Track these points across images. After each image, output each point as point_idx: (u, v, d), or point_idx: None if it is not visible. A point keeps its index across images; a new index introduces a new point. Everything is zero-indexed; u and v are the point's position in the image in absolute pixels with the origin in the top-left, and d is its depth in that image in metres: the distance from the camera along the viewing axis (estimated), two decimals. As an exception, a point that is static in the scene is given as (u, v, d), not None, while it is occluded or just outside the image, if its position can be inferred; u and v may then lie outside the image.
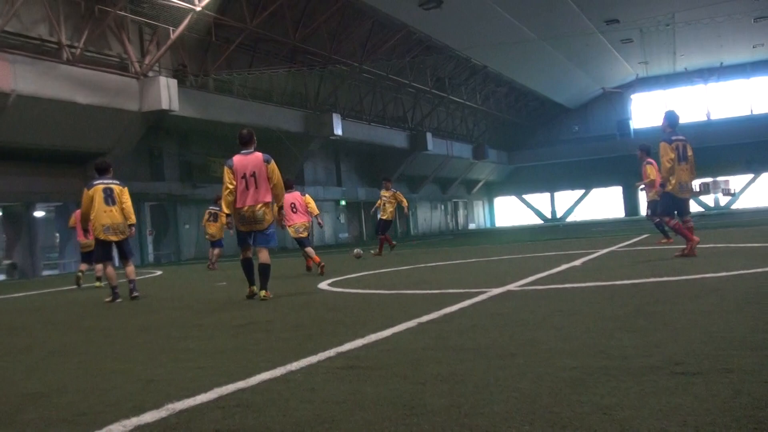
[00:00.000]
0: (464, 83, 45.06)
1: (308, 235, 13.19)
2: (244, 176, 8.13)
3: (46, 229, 27.30)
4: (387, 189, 18.26)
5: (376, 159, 42.27)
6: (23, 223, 23.70)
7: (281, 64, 31.16)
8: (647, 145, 14.14)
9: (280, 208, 8.60)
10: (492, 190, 62.66)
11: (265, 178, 8.19)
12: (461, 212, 58.47)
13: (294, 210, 12.85)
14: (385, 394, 3.25)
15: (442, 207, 54.64)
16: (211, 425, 2.94)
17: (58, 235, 26.13)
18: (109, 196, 9.72)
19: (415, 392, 3.24)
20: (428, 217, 51.62)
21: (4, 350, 5.89)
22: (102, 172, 9.95)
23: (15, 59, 19.33)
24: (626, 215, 56.26)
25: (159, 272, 18.39)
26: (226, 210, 8.25)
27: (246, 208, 8.15)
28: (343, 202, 40.84)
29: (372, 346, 4.54)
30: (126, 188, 10.05)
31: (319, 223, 13.64)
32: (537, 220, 61.60)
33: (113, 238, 9.82)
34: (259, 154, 8.25)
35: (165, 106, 23.21)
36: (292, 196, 12.80)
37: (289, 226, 12.52)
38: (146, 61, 24.23)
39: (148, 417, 3.11)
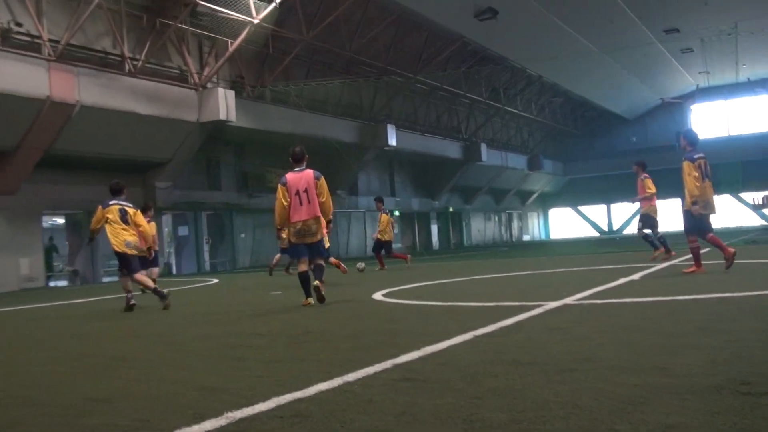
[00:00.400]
0: (519, 93, 44.69)
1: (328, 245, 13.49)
2: (297, 193, 8.50)
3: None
4: (378, 209, 18.09)
5: (429, 169, 42.18)
6: (85, 231, 24.31)
7: (337, 75, 31.39)
8: (643, 161, 14.56)
9: (329, 221, 9.05)
10: (547, 201, 61.91)
11: (315, 193, 8.54)
12: (515, 224, 57.90)
13: None
14: (443, 407, 3.23)
15: (496, 218, 54.20)
16: (269, 435, 2.97)
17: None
18: (124, 217, 10.07)
19: (472, 406, 3.22)
20: (482, 228, 51.26)
21: (68, 356, 6.05)
22: (116, 193, 10.29)
23: (80, 71, 19.92)
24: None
25: (215, 280, 18.68)
26: (279, 224, 8.54)
27: (301, 222, 8.50)
28: (396, 213, 40.81)
29: (428, 358, 4.53)
30: (139, 211, 10.43)
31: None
32: (593, 233, 60.59)
33: (132, 252, 10.16)
34: (310, 171, 8.64)
35: (223, 116, 23.62)
36: None
37: None
38: (205, 73, 24.69)
39: (209, 425, 3.16)
